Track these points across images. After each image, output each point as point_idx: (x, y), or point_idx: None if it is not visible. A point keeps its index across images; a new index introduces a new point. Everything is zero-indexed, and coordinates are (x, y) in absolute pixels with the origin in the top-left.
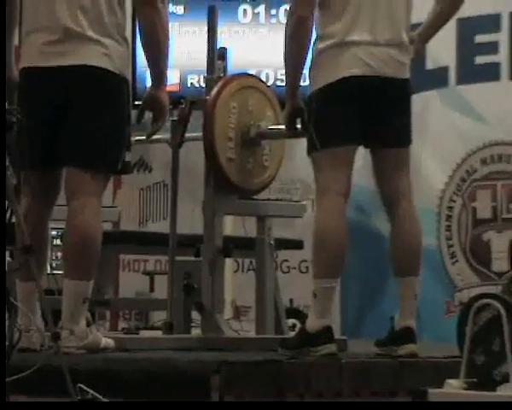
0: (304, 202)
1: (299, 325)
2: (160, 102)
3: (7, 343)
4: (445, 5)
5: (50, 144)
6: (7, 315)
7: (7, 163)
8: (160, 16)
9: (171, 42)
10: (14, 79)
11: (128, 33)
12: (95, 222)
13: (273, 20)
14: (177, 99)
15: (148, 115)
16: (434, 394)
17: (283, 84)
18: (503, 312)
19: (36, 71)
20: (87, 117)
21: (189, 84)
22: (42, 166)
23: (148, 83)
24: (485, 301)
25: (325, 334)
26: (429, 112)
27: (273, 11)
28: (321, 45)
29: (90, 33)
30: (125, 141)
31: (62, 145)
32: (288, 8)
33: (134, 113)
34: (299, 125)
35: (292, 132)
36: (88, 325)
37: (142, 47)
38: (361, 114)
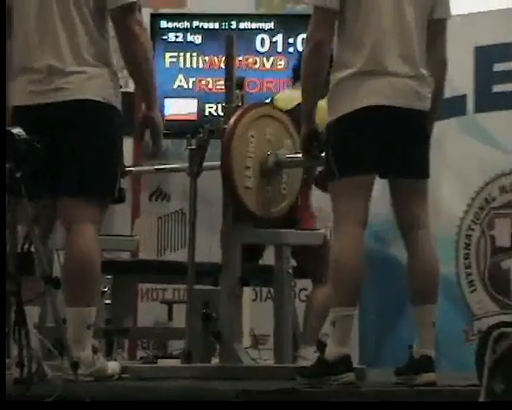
0: (321, 231)
1: (317, 354)
2: (153, 122)
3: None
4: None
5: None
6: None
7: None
8: (139, 40)
9: (190, 71)
10: None
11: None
12: (92, 248)
13: (291, 49)
14: (195, 128)
15: (167, 145)
16: None
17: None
18: None
19: (23, 110)
20: (74, 148)
21: (207, 113)
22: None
23: (167, 111)
24: (504, 329)
25: (344, 363)
26: (447, 140)
27: (291, 40)
28: (339, 74)
29: (68, 67)
30: (115, 165)
31: (53, 177)
32: (305, 37)
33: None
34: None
35: (308, 158)
36: (94, 352)
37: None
38: (378, 143)
